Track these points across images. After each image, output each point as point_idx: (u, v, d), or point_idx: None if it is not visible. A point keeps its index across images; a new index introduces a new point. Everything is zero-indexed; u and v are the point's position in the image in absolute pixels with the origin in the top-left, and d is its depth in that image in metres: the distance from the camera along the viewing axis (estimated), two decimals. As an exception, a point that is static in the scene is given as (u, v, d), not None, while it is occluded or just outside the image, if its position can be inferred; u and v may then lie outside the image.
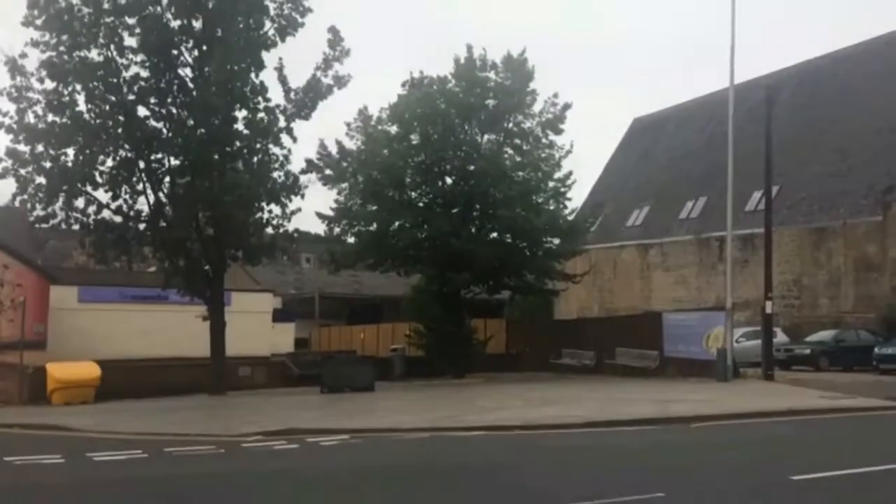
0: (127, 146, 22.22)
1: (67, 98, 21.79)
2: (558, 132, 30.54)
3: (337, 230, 30.93)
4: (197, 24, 22.42)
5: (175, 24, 22.35)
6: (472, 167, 29.16)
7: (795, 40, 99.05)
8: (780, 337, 28.48)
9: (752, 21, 66.70)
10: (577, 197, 46.18)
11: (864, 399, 17.47)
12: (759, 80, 36.63)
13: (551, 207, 30.36)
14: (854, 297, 31.17)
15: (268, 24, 22.94)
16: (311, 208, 32.01)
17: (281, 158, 23.69)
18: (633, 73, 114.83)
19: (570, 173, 30.69)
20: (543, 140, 30.61)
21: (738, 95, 25.64)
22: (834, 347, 27.44)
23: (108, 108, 21.87)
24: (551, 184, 30.48)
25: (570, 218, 31.43)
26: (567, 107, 30.26)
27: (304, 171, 24.20)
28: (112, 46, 22.03)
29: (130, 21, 21.95)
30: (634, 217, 42.57)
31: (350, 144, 30.17)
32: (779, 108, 29.41)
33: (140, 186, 22.91)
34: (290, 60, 23.13)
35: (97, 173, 22.35)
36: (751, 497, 8.37)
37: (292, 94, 23.31)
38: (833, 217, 32.22)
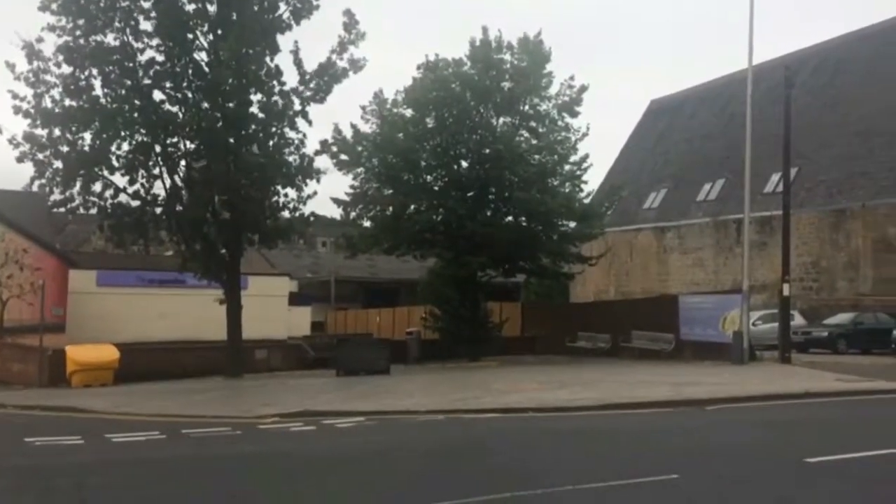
0: (143, 130, 22.28)
1: (84, 82, 21.83)
2: (574, 115, 30.35)
3: (353, 214, 30.95)
4: (212, 8, 22.38)
5: (190, 7, 22.30)
6: (487, 150, 29.04)
7: (817, 20, 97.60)
8: (798, 319, 28.27)
9: (772, 0, 65.69)
10: (593, 180, 45.92)
11: (882, 382, 17.30)
12: (779, 60, 36.16)
13: (567, 190, 30.23)
14: (873, 279, 30.88)
15: (282, 6, 22.81)
16: (327, 193, 32.15)
17: (296, 142, 23.71)
18: (650, 55, 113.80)
19: (587, 156, 30.57)
20: (559, 123, 30.41)
21: (758, 76, 25.38)
22: (852, 330, 27.26)
23: (123, 92, 21.90)
24: (567, 167, 30.33)
25: (585, 201, 31.28)
26: (584, 89, 30.02)
27: (318, 153, 24.16)
28: (128, 30, 22.02)
29: (146, 5, 21.95)
30: (651, 200, 42.32)
31: (365, 128, 30.17)
32: (799, 89, 29.00)
33: (156, 170, 22.95)
34: (305, 44, 23.08)
35: (114, 157, 22.39)
36: (765, 479, 8.34)
37: (307, 78, 23.27)
38: (852, 198, 31.85)
